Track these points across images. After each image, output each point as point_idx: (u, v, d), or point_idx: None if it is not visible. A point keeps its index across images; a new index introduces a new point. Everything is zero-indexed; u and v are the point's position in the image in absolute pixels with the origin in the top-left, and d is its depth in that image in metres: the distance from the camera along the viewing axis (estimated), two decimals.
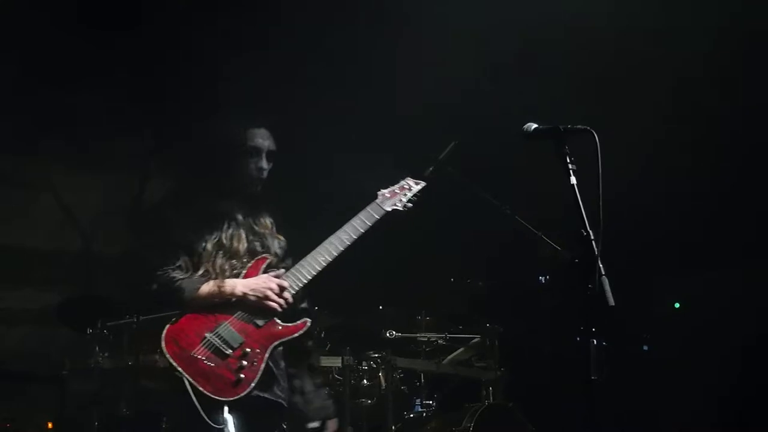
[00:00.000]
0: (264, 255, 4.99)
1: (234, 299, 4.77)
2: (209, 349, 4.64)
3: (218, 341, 4.66)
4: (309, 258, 4.94)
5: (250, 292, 4.78)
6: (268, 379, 4.77)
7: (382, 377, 7.52)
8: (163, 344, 4.62)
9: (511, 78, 8.02)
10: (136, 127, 8.41)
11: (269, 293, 4.79)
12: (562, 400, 7.20)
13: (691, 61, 7.79)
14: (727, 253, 8.89)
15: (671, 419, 9.00)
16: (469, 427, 7.21)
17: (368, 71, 7.85)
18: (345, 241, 4.95)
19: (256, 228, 5.06)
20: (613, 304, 3.84)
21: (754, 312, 8.80)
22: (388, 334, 7.65)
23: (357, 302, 8.04)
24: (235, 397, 4.61)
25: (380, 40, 7.64)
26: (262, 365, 4.71)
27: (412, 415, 7.67)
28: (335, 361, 7.33)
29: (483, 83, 8.12)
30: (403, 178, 5.30)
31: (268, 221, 5.14)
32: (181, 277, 4.79)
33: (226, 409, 4.57)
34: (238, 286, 4.80)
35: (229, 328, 4.73)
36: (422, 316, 8.05)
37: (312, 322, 4.95)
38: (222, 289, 4.77)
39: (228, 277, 4.84)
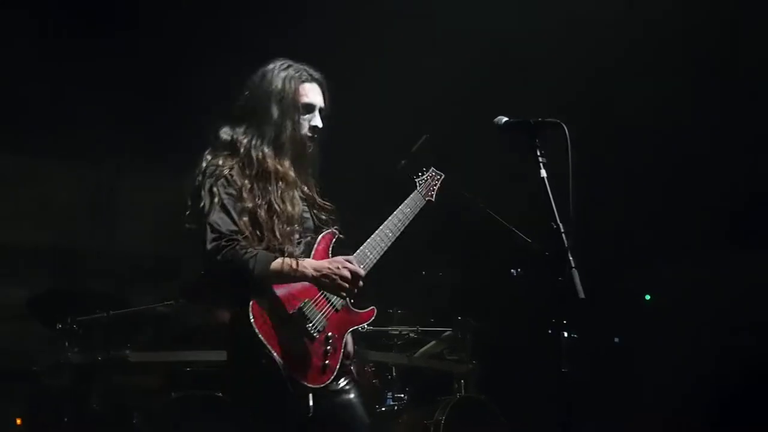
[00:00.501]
0: (331, 230, 4.63)
1: (305, 281, 4.34)
2: (294, 330, 4.27)
3: (304, 321, 4.32)
4: (372, 243, 4.68)
5: (323, 276, 4.33)
6: (344, 367, 4.53)
7: (353, 371, 7.49)
8: (251, 319, 4.16)
9: (490, 73, 8.11)
10: (112, 119, 8.36)
11: (345, 272, 4.35)
12: (534, 393, 7.22)
13: (646, 53, 7.93)
14: (699, 245, 8.91)
15: (642, 410, 9.03)
16: (441, 420, 7.22)
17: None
18: (399, 228, 4.78)
19: (305, 192, 4.64)
20: (583, 296, 3.85)
21: (726, 304, 8.84)
22: (360, 328, 7.62)
23: None
24: (321, 385, 4.31)
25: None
26: (341, 352, 4.47)
27: (384, 409, 7.65)
28: None
29: (461, 78, 8.20)
30: (428, 168, 5.17)
31: (313, 186, 4.70)
32: (248, 249, 4.27)
33: (311, 396, 4.26)
34: (309, 267, 4.33)
35: (314, 308, 4.38)
36: (394, 310, 8.04)
37: None
38: (293, 269, 4.29)
39: (290, 247, 4.39)
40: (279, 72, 4.63)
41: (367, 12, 7.75)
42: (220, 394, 6.69)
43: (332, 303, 4.47)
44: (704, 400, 8.68)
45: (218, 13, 7.98)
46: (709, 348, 8.78)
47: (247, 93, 4.64)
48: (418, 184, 5.05)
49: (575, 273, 3.85)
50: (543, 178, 4.12)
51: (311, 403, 4.25)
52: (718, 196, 8.54)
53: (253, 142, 4.51)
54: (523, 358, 8.52)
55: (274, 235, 4.38)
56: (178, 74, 8.13)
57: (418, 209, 4.94)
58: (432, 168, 5.18)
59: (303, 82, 4.64)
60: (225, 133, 4.55)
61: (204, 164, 4.46)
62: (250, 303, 4.19)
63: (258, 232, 4.37)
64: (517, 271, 7.51)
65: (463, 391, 7.87)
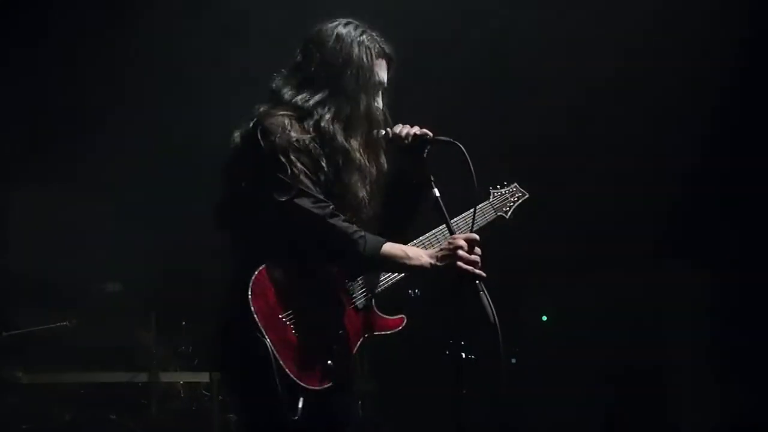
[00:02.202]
0: None
1: (421, 273, 3.91)
2: (302, 318, 3.75)
3: (316, 310, 3.81)
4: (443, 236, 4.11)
5: (440, 259, 3.85)
6: (350, 374, 3.98)
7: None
8: (249, 294, 3.61)
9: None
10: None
11: (459, 242, 3.83)
12: (431, 413, 7.20)
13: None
14: (597, 264, 8.95)
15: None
16: None
17: None
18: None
19: (375, 178, 4.09)
20: (494, 320, 3.76)
21: (624, 324, 8.91)
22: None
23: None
24: (318, 388, 3.74)
25: None
26: (351, 358, 3.95)
27: None
28: (203, 377, 7.22)
29: None
30: (511, 183, 4.76)
31: (378, 176, 4.13)
32: (354, 226, 3.84)
33: (301, 399, 3.67)
34: (424, 256, 3.89)
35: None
36: None
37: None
38: (408, 256, 3.87)
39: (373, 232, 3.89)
40: (355, 38, 4.05)
41: None
42: (114, 416, 6.63)
43: (354, 300, 3.99)
44: (603, 422, 8.78)
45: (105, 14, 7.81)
46: (609, 370, 8.84)
47: (316, 53, 4.05)
48: (492, 195, 4.61)
49: (484, 297, 3.76)
50: (437, 197, 3.99)
51: (300, 405, 3.68)
52: (616, 218, 8.63)
53: (324, 114, 3.94)
54: (420, 378, 8.50)
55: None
56: (72, 83, 7.97)
57: (487, 222, 4.50)
58: (515, 184, 4.77)
59: (378, 56, 4.11)
60: (288, 92, 4.02)
61: (267, 124, 3.88)
62: (252, 276, 3.68)
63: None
64: (414, 292, 7.52)
65: (360, 411, 7.82)
